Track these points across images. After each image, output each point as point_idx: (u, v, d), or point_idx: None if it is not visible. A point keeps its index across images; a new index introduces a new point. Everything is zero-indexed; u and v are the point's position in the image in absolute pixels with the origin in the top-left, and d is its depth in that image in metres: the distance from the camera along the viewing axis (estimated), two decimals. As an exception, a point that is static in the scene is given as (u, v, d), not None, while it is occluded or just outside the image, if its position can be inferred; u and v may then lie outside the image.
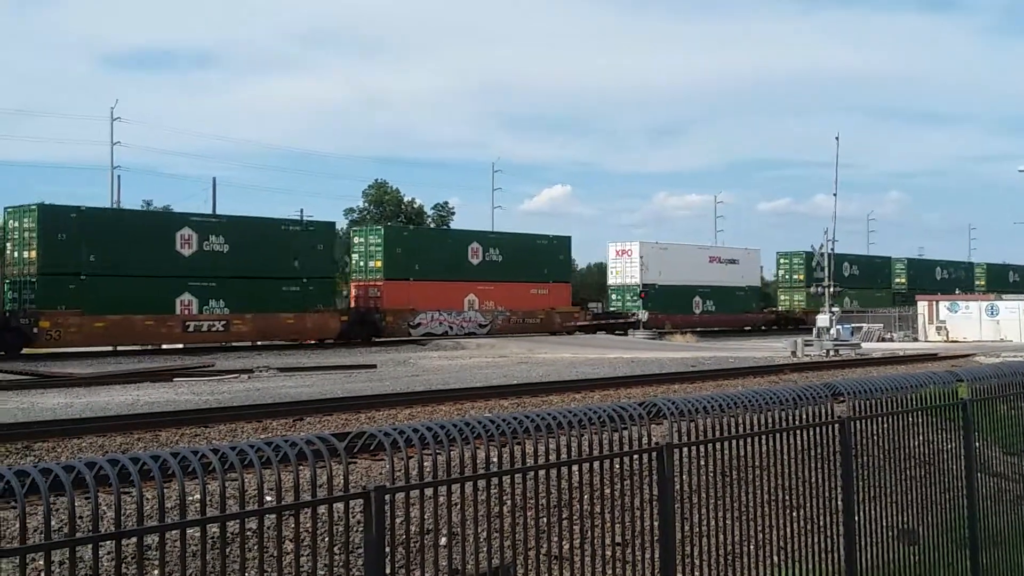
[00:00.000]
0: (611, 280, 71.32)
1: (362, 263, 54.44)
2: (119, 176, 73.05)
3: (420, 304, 53.94)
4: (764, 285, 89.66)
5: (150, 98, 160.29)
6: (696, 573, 6.50)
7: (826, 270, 47.20)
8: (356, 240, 56.39)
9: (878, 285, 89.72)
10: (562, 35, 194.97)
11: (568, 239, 64.66)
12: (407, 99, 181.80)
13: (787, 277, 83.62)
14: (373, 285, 53.44)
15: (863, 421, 8.25)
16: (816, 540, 7.55)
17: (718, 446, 6.81)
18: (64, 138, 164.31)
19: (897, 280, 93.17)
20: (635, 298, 67.57)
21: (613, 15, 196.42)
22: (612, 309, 71.13)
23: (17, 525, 3.78)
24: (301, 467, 4.55)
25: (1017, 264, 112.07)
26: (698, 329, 66.26)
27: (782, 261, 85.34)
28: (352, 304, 53.92)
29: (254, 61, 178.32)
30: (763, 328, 76.14)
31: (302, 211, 71.14)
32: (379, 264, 53.58)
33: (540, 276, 60.23)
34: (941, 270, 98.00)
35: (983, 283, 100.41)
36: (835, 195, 55.71)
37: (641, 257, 69.29)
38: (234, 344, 46.56)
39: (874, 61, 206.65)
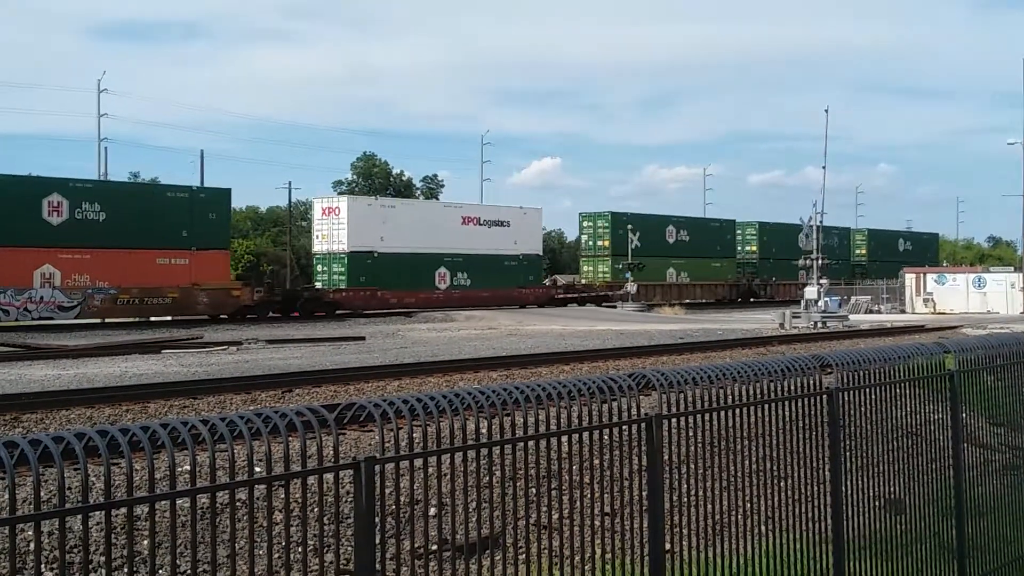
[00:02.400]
0: (316, 247, 56.37)
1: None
2: (106, 148, 72.69)
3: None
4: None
5: (138, 70, 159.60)
6: (684, 543, 6.53)
7: (814, 243, 47.25)
8: None
9: (717, 253, 79.27)
10: (552, 6, 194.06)
11: (226, 192, 49.61)
12: (396, 71, 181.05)
13: (591, 244, 70.06)
14: None
15: (851, 392, 8.28)
16: (804, 510, 7.60)
17: (706, 417, 6.83)
18: (51, 110, 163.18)
19: (748, 248, 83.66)
20: (343, 269, 54.01)
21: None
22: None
23: (6, 496, 3.77)
24: (291, 438, 4.55)
25: (915, 231, 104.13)
26: (441, 309, 54.69)
27: (585, 224, 71.27)
28: None
29: (242, 33, 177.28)
30: (539, 306, 61.03)
31: (290, 183, 71.00)
32: None
33: (174, 241, 45.31)
34: (807, 238, 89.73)
35: (864, 252, 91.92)
36: (824, 167, 55.82)
37: (350, 217, 53.94)
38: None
39: (866, 35, 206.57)
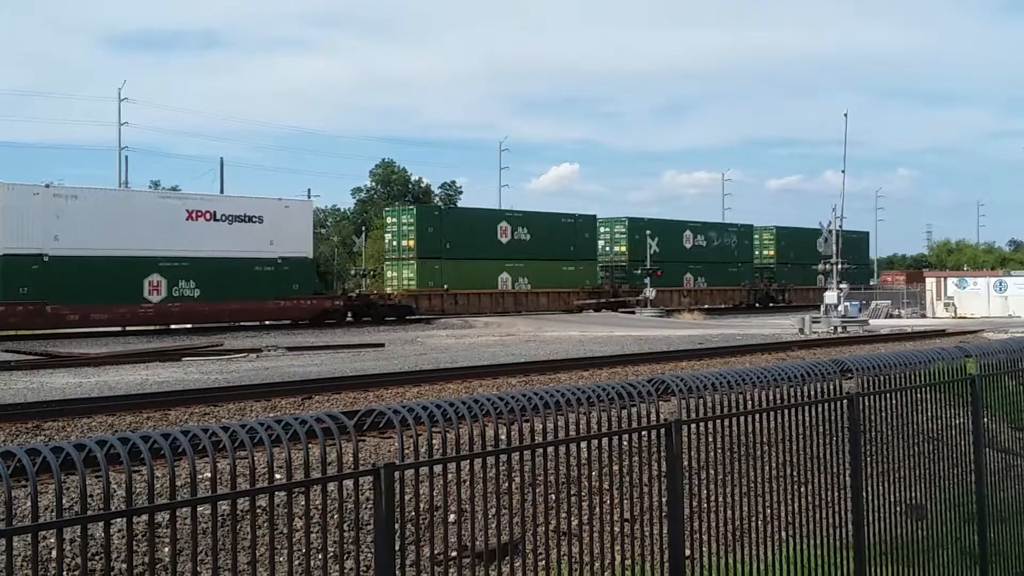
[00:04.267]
0: None
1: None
2: (127, 157, 72.69)
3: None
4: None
5: (158, 79, 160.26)
6: (704, 548, 6.51)
7: (834, 248, 47.07)
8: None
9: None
10: (570, 14, 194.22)
11: None
12: (416, 79, 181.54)
13: (394, 245, 57.36)
14: None
15: (871, 397, 8.24)
16: (824, 515, 7.56)
17: (726, 422, 6.82)
18: (71, 119, 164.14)
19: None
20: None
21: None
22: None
23: (29, 504, 3.80)
24: (311, 445, 4.56)
25: (842, 228, 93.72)
26: (153, 325, 45.21)
27: (389, 221, 59.11)
28: None
29: (262, 40, 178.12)
30: (308, 322, 49.58)
31: (309, 191, 71.02)
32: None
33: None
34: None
35: (772, 253, 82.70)
36: (843, 172, 55.59)
37: (4, 210, 40.39)
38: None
39: (884, 40, 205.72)
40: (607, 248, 70.69)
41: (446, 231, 57.00)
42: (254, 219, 48.22)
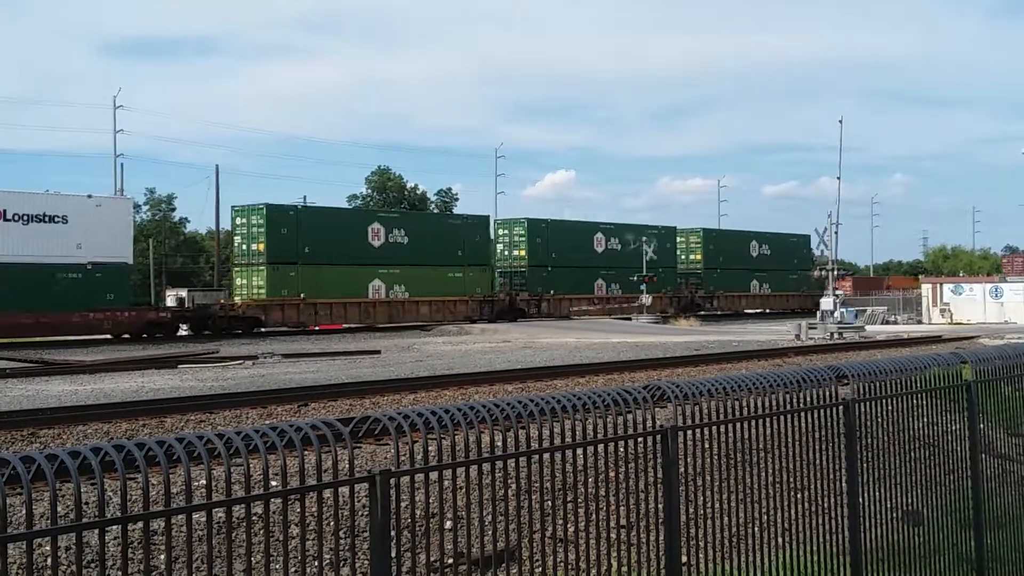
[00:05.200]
0: None
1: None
2: (122, 164, 72.56)
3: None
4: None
5: (153, 86, 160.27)
6: (701, 555, 6.51)
7: (832, 252, 47.16)
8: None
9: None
10: (564, 19, 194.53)
11: None
12: (411, 85, 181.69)
13: (244, 249, 50.62)
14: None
15: (867, 403, 8.24)
16: (820, 521, 7.56)
17: (722, 428, 6.81)
18: (67, 126, 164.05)
19: (517, 252, 64.33)
20: None
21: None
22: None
23: (24, 511, 3.79)
24: (306, 452, 4.56)
25: (778, 232, 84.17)
26: None
27: (238, 222, 51.39)
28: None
29: (257, 47, 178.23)
30: (131, 335, 43.78)
31: (304, 198, 70.77)
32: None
33: None
34: (607, 237, 67.94)
35: (699, 257, 75.43)
36: (839, 178, 55.70)
37: None
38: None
39: (881, 46, 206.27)
40: (505, 252, 63.45)
41: (303, 233, 50.41)
42: (56, 219, 41.92)
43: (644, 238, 66.37)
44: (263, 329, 48.13)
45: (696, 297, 71.10)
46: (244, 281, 50.01)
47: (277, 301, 48.97)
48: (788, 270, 78.21)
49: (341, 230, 52.12)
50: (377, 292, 52.95)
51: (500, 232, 63.53)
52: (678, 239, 71.28)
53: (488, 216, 63.52)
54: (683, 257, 70.38)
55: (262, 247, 49.47)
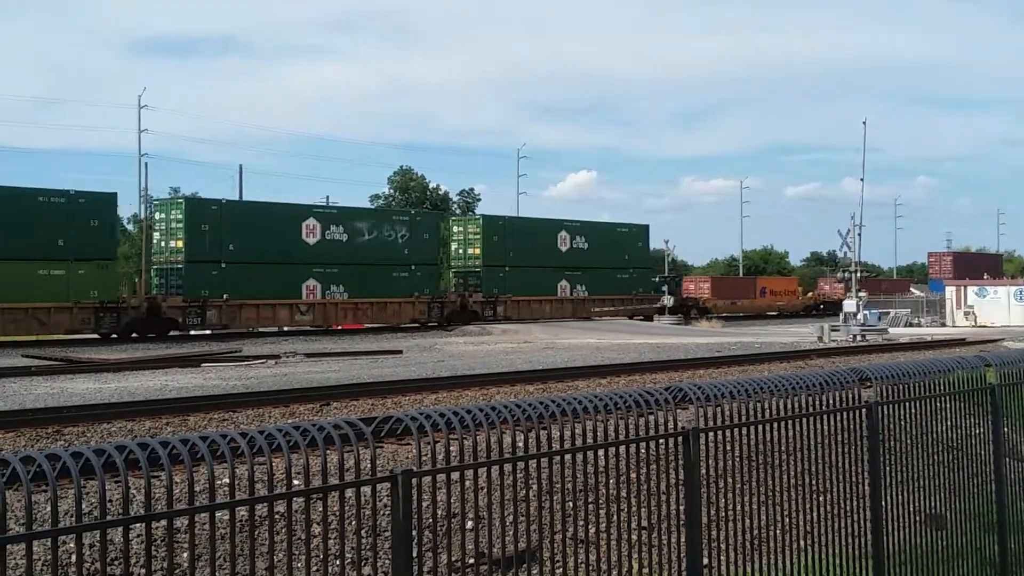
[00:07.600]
0: None
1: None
2: (146, 163, 72.93)
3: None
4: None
5: (177, 85, 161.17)
6: (722, 557, 6.49)
7: (855, 255, 46.91)
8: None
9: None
10: (588, 21, 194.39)
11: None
12: (434, 86, 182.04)
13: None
14: None
15: (891, 406, 8.21)
16: (843, 525, 7.53)
17: (744, 431, 6.80)
18: (92, 126, 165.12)
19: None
20: None
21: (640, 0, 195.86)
22: None
23: (49, 508, 3.82)
24: (329, 451, 4.58)
25: (594, 220, 67.14)
26: None
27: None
28: None
29: (281, 47, 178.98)
30: None
31: (327, 198, 70.83)
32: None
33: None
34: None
35: (477, 251, 58.06)
36: (862, 180, 55.54)
37: None
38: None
39: (903, 46, 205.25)
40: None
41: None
42: None
43: (391, 225, 53.66)
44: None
45: (470, 302, 55.23)
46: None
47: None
48: (616, 268, 62.93)
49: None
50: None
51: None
52: (455, 228, 59.38)
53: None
54: (459, 251, 58.29)
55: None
